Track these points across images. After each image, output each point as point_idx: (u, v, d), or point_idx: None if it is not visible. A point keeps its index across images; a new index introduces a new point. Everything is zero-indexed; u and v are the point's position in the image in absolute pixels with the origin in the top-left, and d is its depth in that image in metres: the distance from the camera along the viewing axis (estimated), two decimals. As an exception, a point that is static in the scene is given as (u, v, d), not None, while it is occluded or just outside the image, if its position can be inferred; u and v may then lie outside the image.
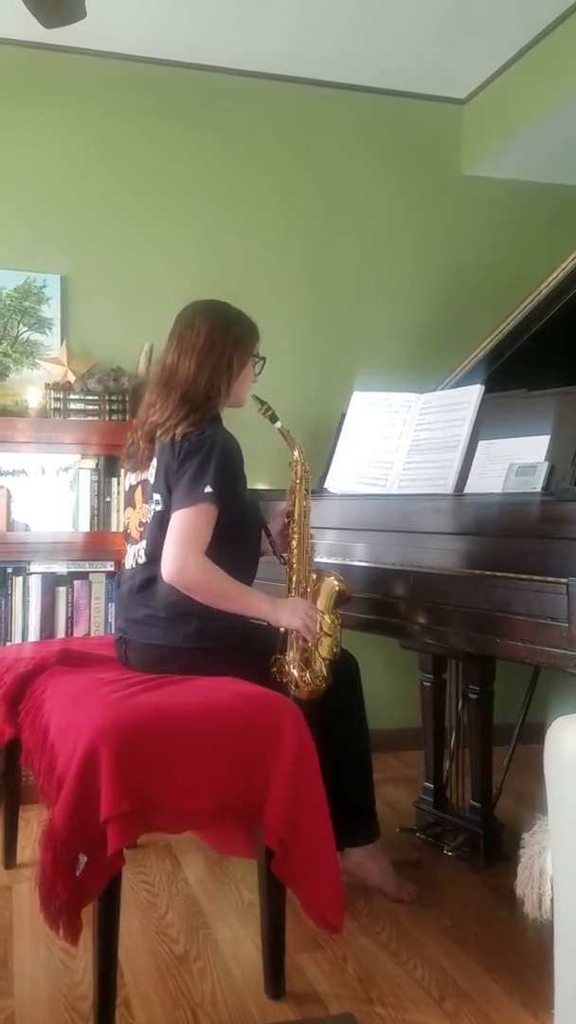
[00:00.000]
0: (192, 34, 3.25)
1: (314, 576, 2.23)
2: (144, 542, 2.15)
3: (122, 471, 2.65)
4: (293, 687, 2.08)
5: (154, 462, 2.15)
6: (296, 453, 2.28)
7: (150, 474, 2.17)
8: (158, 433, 2.13)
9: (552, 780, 1.41)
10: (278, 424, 2.27)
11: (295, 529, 2.24)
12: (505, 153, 3.58)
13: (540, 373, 2.48)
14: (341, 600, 2.20)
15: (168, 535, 2.04)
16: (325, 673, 2.13)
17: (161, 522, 2.08)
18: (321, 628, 2.14)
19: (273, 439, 2.30)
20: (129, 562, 2.23)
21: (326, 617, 2.16)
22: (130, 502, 2.27)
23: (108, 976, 1.72)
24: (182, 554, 2.01)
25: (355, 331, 3.63)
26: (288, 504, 2.29)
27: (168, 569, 2.02)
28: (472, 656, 2.41)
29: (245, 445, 2.17)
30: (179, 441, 2.08)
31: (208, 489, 2.01)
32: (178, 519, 2.03)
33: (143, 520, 2.17)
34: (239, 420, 2.30)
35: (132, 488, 2.26)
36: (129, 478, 2.30)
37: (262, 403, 2.27)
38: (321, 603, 2.18)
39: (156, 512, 2.11)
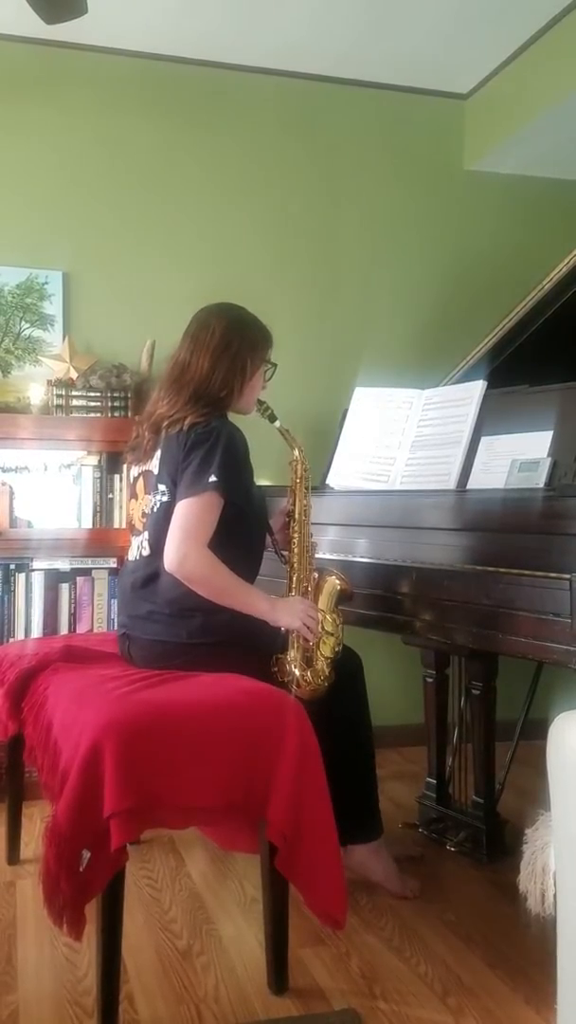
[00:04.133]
0: (195, 30, 3.24)
1: (315, 575, 2.23)
2: (147, 533, 2.15)
3: (125, 465, 2.65)
4: (295, 687, 2.07)
5: (158, 453, 2.15)
6: (296, 452, 2.28)
7: (153, 465, 2.17)
8: (165, 424, 2.13)
9: (555, 776, 1.42)
10: (277, 423, 2.27)
11: (295, 528, 2.24)
12: (507, 148, 3.57)
13: (543, 369, 2.48)
14: (343, 599, 2.20)
15: (172, 524, 2.04)
16: (327, 672, 2.13)
17: (166, 513, 2.08)
18: (323, 627, 2.13)
19: (274, 436, 2.30)
20: (133, 554, 2.23)
21: (328, 616, 2.15)
22: (133, 493, 2.28)
23: (112, 971, 1.72)
24: (184, 545, 2.01)
25: (357, 327, 3.63)
26: (288, 503, 2.29)
27: (170, 559, 2.02)
28: (475, 652, 2.41)
29: (248, 440, 2.17)
30: (186, 432, 2.08)
31: (213, 479, 2.01)
32: (182, 509, 2.03)
33: (145, 511, 2.18)
34: (240, 416, 2.29)
35: (135, 479, 2.27)
36: (132, 470, 2.30)
37: (261, 403, 2.28)
38: (323, 602, 2.18)
39: (162, 503, 2.11)
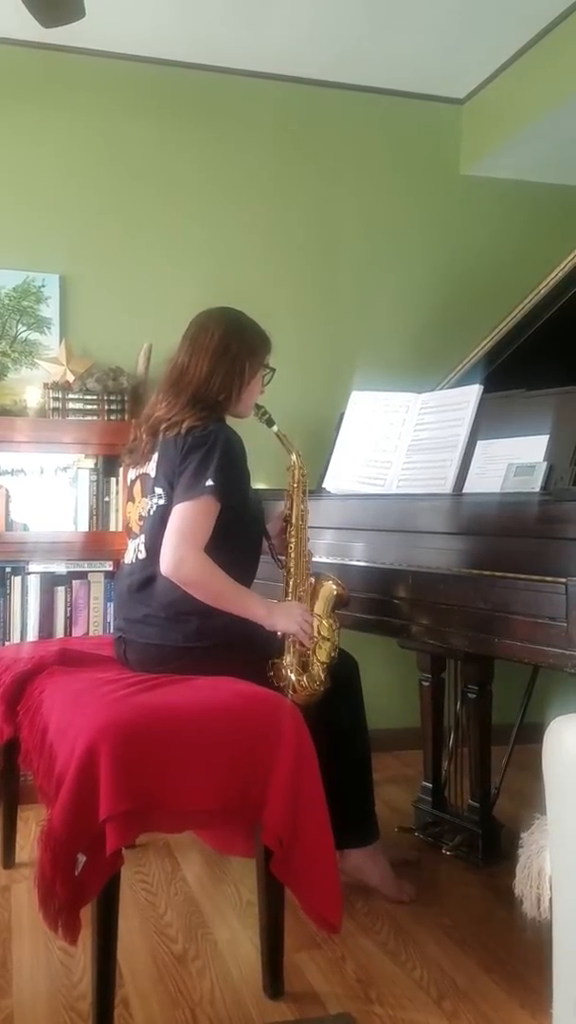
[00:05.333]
0: (192, 35, 3.25)
1: (312, 580, 2.23)
2: (144, 536, 2.15)
3: (122, 468, 2.65)
4: (291, 691, 2.07)
5: (155, 456, 2.16)
6: (294, 457, 2.28)
7: (150, 468, 2.17)
8: (163, 427, 2.13)
9: (551, 780, 1.42)
10: (275, 428, 2.28)
11: (293, 532, 2.24)
12: (503, 153, 3.58)
13: (539, 373, 2.49)
14: (339, 604, 2.20)
15: (168, 528, 2.04)
16: (323, 677, 2.13)
17: (162, 517, 2.08)
18: (319, 632, 2.13)
19: (271, 440, 2.31)
20: (129, 557, 2.23)
21: (324, 621, 2.16)
22: (130, 496, 2.28)
23: (107, 976, 1.72)
24: (180, 549, 2.01)
25: (354, 330, 3.63)
26: (286, 508, 2.29)
27: (166, 563, 2.02)
28: (471, 656, 2.41)
29: (245, 444, 2.17)
30: (183, 435, 2.08)
31: (209, 483, 2.01)
32: (178, 513, 2.03)
33: (143, 514, 2.18)
34: (238, 420, 2.29)
35: (132, 482, 2.27)
36: (130, 473, 2.30)
37: (258, 407, 2.28)
38: (319, 607, 2.18)
39: (158, 506, 2.11)
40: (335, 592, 2.19)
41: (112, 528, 3.15)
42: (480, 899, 2.31)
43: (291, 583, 2.21)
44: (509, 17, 3.12)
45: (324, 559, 2.54)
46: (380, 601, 2.32)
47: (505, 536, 2.01)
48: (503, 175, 3.76)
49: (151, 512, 2.13)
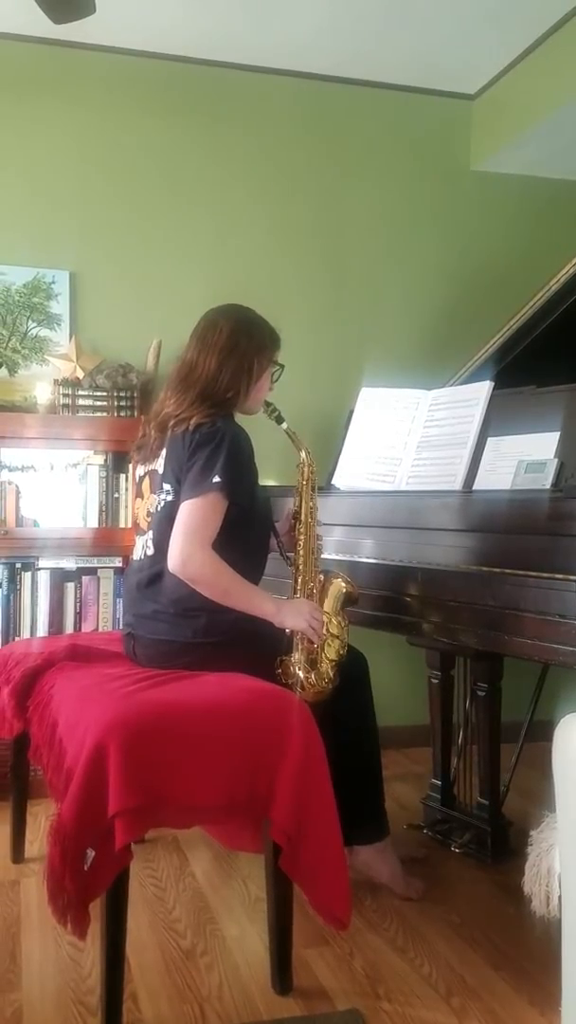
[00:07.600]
0: (203, 30, 3.24)
1: (321, 577, 2.22)
2: (152, 532, 2.16)
3: (131, 464, 2.66)
4: (299, 689, 2.07)
5: (164, 452, 2.16)
6: (303, 454, 2.27)
7: (159, 464, 2.17)
8: (171, 423, 2.13)
9: (560, 777, 1.41)
10: (284, 425, 2.28)
11: (302, 530, 2.24)
12: (514, 149, 3.57)
13: (550, 370, 2.48)
14: (348, 602, 2.20)
15: (175, 525, 2.04)
16: (331, 675, 2.12)
17: (170, 513, 2.08)
18: (328, 630, 2.13)
19: (279, 436, 2.30)
20: (137, 553, 2.23)
21: (333, 619, 2.15)
22: (139, 492, 2.28)
23: (115, 970, 1.73)
24: (188, 546, 2.01)
25: (364, 326, 3.63)
26: (295, 505, 2.29)
27: (173, 560, 2.02)
28: (480, 653, 2.40)
29: (253, 441, 2.17)
30: (191, 432, 2.08)
31: (217, 479, 2.01)
32: (186, 509, 2.03)
33: (151, 510, 2.18)
34: (247, 416, 2.29)
35: (141, 479, 2.27)
36: (138, 469, 2.30)
37: (268, 404, 2.28)
38: (328, 605, 2.18)
39: (166, 503, 2.11)
40: (344, 590, 2.19)
41: (121, 524, 3.15)
42: (489, 896, 2.31)
43: (300, 580, 2.21)
44: (520, 13, 3.11)
45: (333, 556, 2.54)
46: (389, 598, 2.31)
47: (515, 533, 2.01)
48: (514, 171, 3.74)
49: (159, 508, 2.13)
